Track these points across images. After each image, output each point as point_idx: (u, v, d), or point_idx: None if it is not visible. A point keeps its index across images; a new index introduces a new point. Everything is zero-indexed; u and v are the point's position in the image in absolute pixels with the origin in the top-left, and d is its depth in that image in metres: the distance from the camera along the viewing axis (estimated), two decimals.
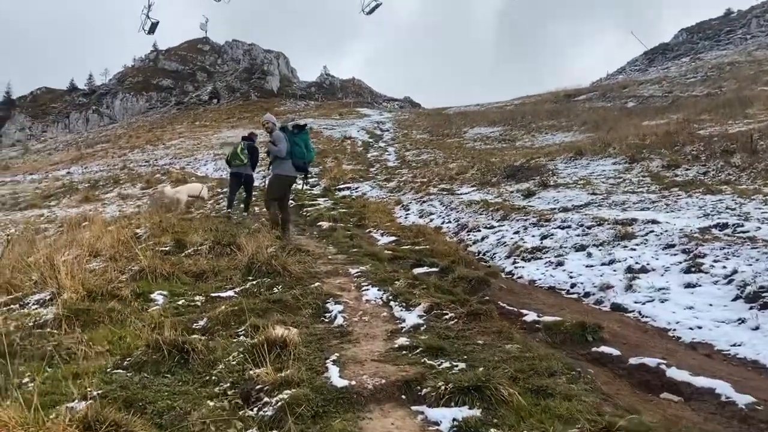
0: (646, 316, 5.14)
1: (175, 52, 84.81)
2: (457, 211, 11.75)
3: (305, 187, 13.55)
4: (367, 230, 10.96)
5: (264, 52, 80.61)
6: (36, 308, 4.85)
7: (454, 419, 2.70)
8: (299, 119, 36.65)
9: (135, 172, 27.30)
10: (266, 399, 2.96)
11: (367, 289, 5.45)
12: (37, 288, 5.44)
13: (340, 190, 17.67)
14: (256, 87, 72.56)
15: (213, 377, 3.36)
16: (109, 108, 74.03)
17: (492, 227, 9.76)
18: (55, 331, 4.12)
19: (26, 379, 3.22)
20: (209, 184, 17.56)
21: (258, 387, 3.08)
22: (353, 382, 3.10)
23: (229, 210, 11.79)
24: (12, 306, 5.05)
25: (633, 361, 3.73)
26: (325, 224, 11.19)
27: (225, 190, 17.73)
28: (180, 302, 5.13)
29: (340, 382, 3.11)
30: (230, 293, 5.39)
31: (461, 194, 13.95)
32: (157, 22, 40.41)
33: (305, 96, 70.89)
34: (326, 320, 4.60)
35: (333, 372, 3.28)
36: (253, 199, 12.77)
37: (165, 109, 70.54)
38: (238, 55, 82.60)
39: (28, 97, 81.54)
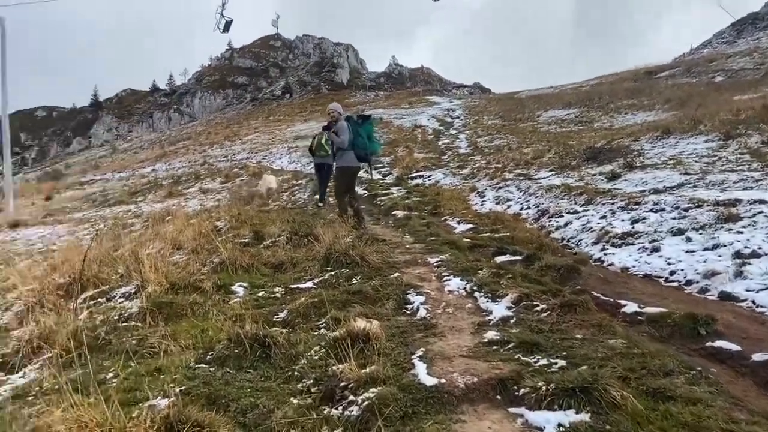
0: (762, 306, 4.61)
1: (248, 50, 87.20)
2: (537, 197, 11.26)
3: (374, 175, 13.45)
4: (443, 218, 10.67)
5: (333, 45, 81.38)
6: (122, 301, 4.93)
7: (559, 424, 2.42)
8: (368, 110, 36.67)
9: (214, 167, 28.16)
10: (351, 397, 2.80)
11: (449, 279, 5.20)
12: (123, 281, 5.56)
13: (412, 178, 17.40)
14: (326, 80, 73.39)
15: (295, 373, 3.24)
16: (189, 106, 77.12)
17: (576, 212, 9.25)
18: (140, 325, 4.14)
19: (110, 375, 3.21)
20: (285, 176, 17.80)
21: (342, 384, 2.92)
22: (443, 380, 2.89)
23: (318, 197, 12.11)
24: (99, 299, 5.17)
25: (757, 357, 3.31)
26: (399, 213, 11.00)
27: (300, 182, 17.98)
28: (260, 294, 5.10)
29: (428, 380, 2.90)
30: (309, 284, 5.31)
31: (539, 179, 13.37)
32: (231, 21, 41.26)
33: (374, 87, 71.02)
34: (408, 312, 4.40)
35: (420, 368, 3.08)
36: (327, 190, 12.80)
37: (240, 105, 72.69)
38: (309, 49, 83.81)
39: (113, 99, 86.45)
